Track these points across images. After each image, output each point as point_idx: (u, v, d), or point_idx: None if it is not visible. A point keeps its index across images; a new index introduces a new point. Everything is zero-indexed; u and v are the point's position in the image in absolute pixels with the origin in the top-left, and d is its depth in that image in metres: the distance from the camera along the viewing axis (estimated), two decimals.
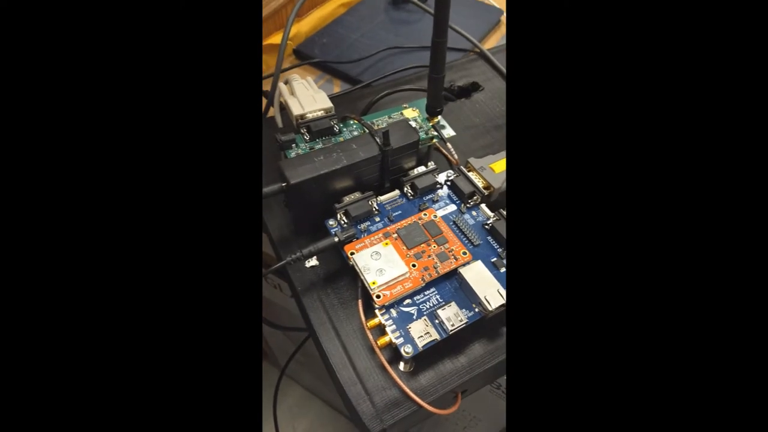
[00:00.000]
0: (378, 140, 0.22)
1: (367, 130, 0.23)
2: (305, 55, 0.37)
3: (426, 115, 0.26)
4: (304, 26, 0.40)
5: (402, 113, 0.27)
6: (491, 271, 0.20)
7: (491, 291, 0.19)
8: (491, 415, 0.34)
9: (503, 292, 0.19)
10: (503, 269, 0.20)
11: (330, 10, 0.42)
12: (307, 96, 0.25)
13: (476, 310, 0.19)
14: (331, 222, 0.22)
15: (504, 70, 0.32)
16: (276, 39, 0.38)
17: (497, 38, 0.41)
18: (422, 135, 0.25)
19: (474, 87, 0.31)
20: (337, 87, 0.37)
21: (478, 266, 0.20)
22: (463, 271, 0.19)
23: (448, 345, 0.19)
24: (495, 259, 0.21)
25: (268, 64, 0.37)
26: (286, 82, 0.27)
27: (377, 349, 0.18)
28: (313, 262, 0.22)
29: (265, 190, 0.20)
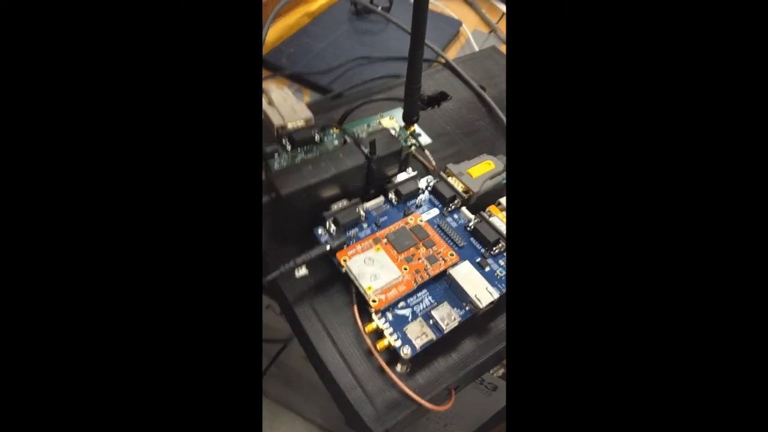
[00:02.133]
0: (364, 149, 0.22)
1: (348, 139, 0.24)
2: (272, 65, 0.37)
3: (403, 124, 0.27)
4: (269, 35, 0.39)
5: (380, 122, 0.28)
6: (478, 271, 0.21)
7: (480, 290, 0.20)
8: (471, 411, 0.36)
9: (491, 289, 0.20)
10: (488, 268, 0.22)
11: (295, 19, 0.42)
12: (286, 107, 0.25)
13: (467, 308, 0.20)
14: (320, 230, 0.22)
15: (469, 79, 0.34)
16: None
17: (457, 48, 0.44)
18: (402, 143, 0.26)
19: (443, 96, 0.33)
20: (307, 96, 0.37)
21: (466, 266, 0.21)
22: (452, 272, 0.20)
23: (441, 343, 0.20)
24: (479, 259, 0.22)
25: None
26: (264, 92, 0.27)
27: (376, 353, 0.19)
28: (302, 271, 0.22)
29: None
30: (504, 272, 0.21)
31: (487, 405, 0.33)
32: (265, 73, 0.36)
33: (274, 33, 0.40)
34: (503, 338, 0.21)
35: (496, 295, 0.20)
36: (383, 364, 0.19)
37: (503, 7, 0.48)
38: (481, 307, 0.19)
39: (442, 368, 0.20)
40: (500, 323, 0.21)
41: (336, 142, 0.26)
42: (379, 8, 0.42)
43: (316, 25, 0.42)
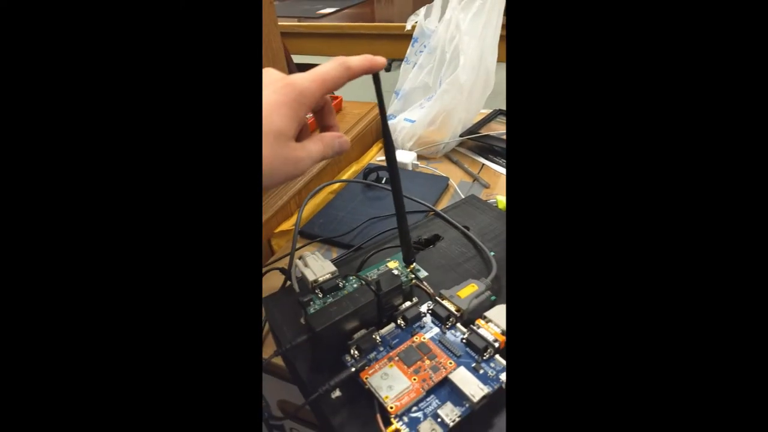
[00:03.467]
0: (372, 288, 0.30)
1: (363, 282, 0.32)
2: (309, 234, 0.48)
3: (405, 264, 0.36)
4: (304, 212, 0.52)
5: (387, 265, 0.36)
6: (472, 374, 0.26)
7: (474, 388, 0.25)
8: None
9: (482, 386, 0.25)
10: (482, 371, 0.27)
11: (323, 196, 0.56)
12: (317, 265, 0.35)
13: (466, 405, 0.25)
14: (347, 357, 0.28)
15: (455, 223, 0.43)
16: (285, 226, 0.50)
17: (448, 197, 0.55)
18: (404, 278, 0.34)
19: (436, 238, 0.42)
20: (334, 252, 0.47)
21: (462, 371, 0.26)
22: (451, 376, 0.26)
23: None
24: (474, 364, 0.27)
25: (281, 245, 0.48)
26: (301, 258, 0.37)
27: None
28: (337, 393, 0.28)
29: (297, 340, 0.28)
30: (494, 372, 0.26)
31: None
32: (302, 241, 0.48)
33: (307, 209, 0.53)
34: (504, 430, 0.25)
35: (486, 389, 0.24)
36: None
37: (482, 160, 0.61)
38: (474, 401, 0.24)
39: None
40: (501, 420, 0.25)
41: (355, 286, 0.34)
42: (384, 180, 0.56)
43: (338, 199, 0.55)
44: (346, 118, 0.71)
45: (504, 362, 0.27)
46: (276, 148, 0.23)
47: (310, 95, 0.24)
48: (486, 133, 0.62)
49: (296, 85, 0.24)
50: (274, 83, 0.23)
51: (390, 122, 0.66)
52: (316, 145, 0.26)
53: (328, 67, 0.25)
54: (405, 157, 0.61)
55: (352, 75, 0.25)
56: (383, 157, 0.65)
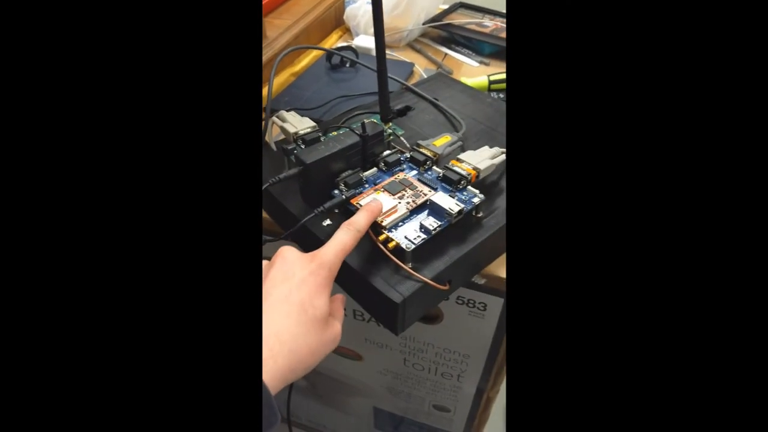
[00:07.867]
0: (357, 132, 0.32)
1: (347, 129, 0.34)
2: (274, 110, 0.48)
3: (382, 122, 0.38)
4: (265, 92, 0.51)
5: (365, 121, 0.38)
6: (449, 195, 0.30)
7: (452, 204, 0.29)
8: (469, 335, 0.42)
9: (458, 203, 0.29)
10: (455, 198, 0.31)
11: (283, 78, 0.55)
12: (296, 120, 0.36)
13: (446, 219, 0.29)
14: (336, 191, 0.31)
15: (425, 95, 0.45)
16: None
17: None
18: (384, 127, 0.36)
19: (407, 108, 0.44)
20: None
21: (441, 194, 0.30)
22: (432, 198, 0.29)
23: (433, 248, 0.28)
24: (449, 193, 0.31)
25: None
26: (278, 116, 0.37)
27: (387, 251, 0.27)
28: (327, 221, 0.30)
29: (289, 173, 0.29)
30: (467, 197, 0.30)
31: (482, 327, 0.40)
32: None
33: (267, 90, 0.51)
34: (474, 241, 0.29)
35: (462, 206, 0.29)
36: (393, 257, 0.27)
37: (444, 50, 0.62)
38: (453, 213, 0.28)
39: (438, 265, 0.28)
40: (475, 236, 0.30)
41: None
42: (348, 65, 0.55)
43: (301, 80, 0.54)
44: (303, 0, 0.66)
45: (476, 190, 0.31)
46: (325, 333, 0.23)
47: (336, 269, 0.24)
48: (449, 22, 0.62)
49: (325, 262, 0.24)
50: (307, 265, 0.24)
51: (351, 6, 0.63)
52: (338, 308, 0.26)
53: (345, 238, 0.25)
54: (368, 42, 0.60)
55: (362, 235, 0.26)
56: (345, 44, 0.64)
